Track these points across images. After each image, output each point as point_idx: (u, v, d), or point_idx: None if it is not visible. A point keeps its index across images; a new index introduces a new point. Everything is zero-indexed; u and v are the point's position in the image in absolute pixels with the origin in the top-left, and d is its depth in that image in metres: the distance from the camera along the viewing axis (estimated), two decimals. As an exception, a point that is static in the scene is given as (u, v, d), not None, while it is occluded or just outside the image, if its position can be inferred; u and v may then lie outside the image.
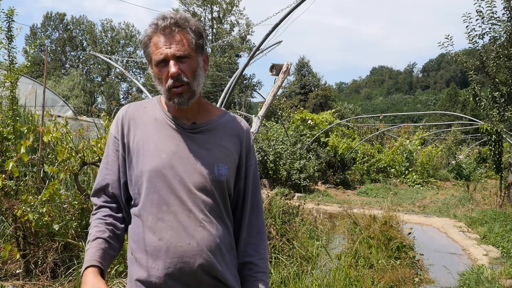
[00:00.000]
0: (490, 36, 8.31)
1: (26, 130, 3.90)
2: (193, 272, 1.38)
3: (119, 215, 1.48)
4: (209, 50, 39.21)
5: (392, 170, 17.40)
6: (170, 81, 1.37)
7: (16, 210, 3.54)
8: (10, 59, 4.00)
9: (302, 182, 12.73)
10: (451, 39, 8.79)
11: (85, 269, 1.31)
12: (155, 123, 1.47)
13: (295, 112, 20.28)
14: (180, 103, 1.39)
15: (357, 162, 17.43)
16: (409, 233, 6.53)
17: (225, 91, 6.67)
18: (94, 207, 1.49)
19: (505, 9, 8.02)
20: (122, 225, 1.47)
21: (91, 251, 1.36)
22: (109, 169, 1.48)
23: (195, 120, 1.48)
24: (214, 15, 43.67)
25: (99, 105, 41.86)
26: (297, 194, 11.61)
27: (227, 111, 1.59)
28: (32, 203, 3.59)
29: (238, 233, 1.55)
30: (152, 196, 1.40)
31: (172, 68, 1.35)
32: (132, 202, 1.47)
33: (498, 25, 8.06)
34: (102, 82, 48.34)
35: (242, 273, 1.51)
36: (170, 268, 1.37)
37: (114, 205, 1.47)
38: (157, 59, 1.37)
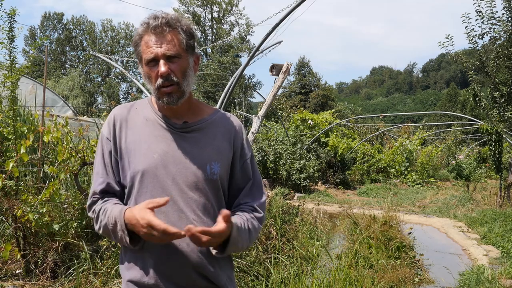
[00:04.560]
0: (490, 36, 8.32)
1: (26, 130, 3.90)
2: (184, 273, 1.38)
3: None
4: (209, 50, 39.18)
5: (392, 170, 17.39)
6: (159, 81, 1.37)
7: (16, 210, 3.54)
8: (11, 59, 3.99)
9: (302, 182, 12.73)
10: (451, 39, 8.80)
11: (124, 212, 1.33)
12: (146, 123, 1.47)
13: (295, 112, 20.27)
14: (169, 103, 1.39)
15: (357, 162, 17.42)
16: (409, 233, 6.52)
17: (225, 91, 6.67)
18: (94, 199, 1.46)
19: (505, 9, 8.03)
20: None
21: (117, 207, 1.37)
22: (108, 172, 1.48)
23: (186, 119, 1.48)
24: (214, 15, 43.67)
25: (99, 105, 41.83)
26: (297, 194, 11.61)
27: (218, 109, 1.59)
28: (32, 203, 3.59)
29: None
30: (144, 196, 1.39)
31: (162, 67, 1.35)
32: (124, 202, 1.48)
33: (498, 25, 8.06)
34: (102, 82, 48.32)
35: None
36: (161, 269, 1.37)
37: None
38: (147, 58, 1.38)
